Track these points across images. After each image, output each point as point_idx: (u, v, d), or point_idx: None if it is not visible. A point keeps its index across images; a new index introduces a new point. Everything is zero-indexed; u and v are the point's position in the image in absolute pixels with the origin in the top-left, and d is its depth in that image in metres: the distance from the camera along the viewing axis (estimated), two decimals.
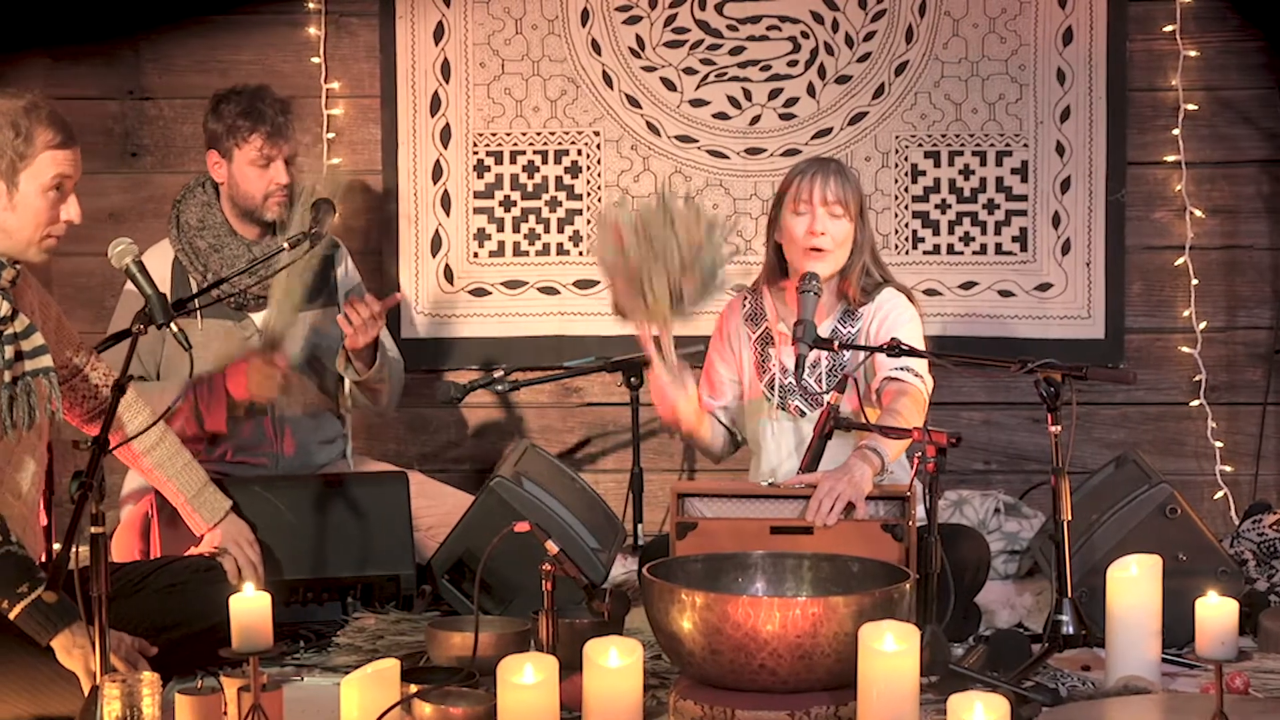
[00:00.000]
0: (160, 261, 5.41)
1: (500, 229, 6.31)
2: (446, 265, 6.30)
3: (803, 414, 5.05)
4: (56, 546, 4.74)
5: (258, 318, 5.44)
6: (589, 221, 6.27)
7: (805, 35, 6.22)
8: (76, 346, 4.59)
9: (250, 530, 4.92)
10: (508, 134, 6.28)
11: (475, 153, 6.28)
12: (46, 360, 4.26)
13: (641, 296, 4.78)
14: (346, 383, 5.57)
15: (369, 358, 5.43)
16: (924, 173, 6.23)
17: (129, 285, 5.22)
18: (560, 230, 6.29)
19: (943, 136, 6.22)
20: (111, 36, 6.27)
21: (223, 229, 5.43)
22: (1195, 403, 6.23)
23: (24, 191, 4.14)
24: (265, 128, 5.36)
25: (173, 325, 4.12)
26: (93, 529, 3.71)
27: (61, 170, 4.16)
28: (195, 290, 5.23)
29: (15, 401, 4.20)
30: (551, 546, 4.15)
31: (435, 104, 6.27)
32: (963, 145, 6.22)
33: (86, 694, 3.86)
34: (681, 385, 4.97)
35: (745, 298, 5.26)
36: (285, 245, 5.22)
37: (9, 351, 4.17)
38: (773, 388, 5.11)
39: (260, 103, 5.39)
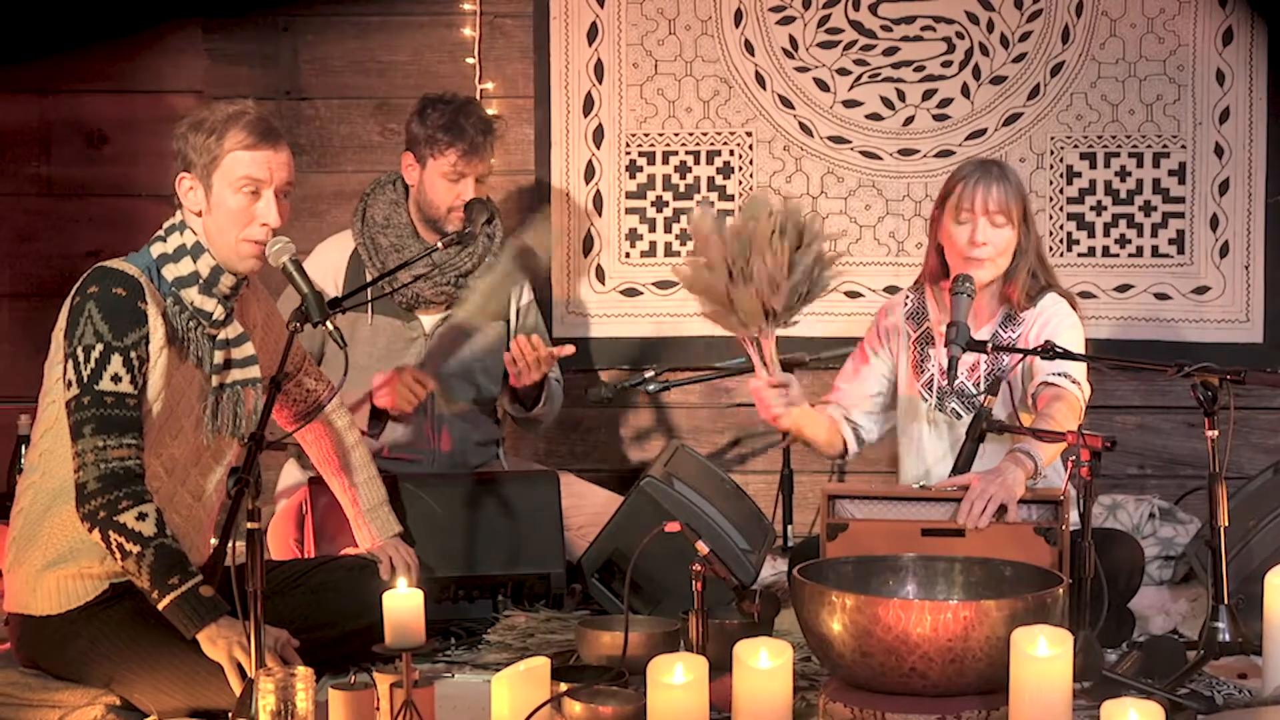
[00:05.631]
0: (340, 251, 5.48)
1: (652, 229, 6.32)
2: (598, 265, 6.32)
3: (959, 417, 5.01)
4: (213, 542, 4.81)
5: (427, 321, 5.48)
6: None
7: (960, 36, 6.18)
8: (300, 358, 4.74)
9: (411, 549, 4.93)
10: (660, 134, 6.29)
11: (628, 153, 6.29)
12: (255, 371, 4.38)
13: (730, 309, 4.74)
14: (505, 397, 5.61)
15: (533, 398, 5.46)
16: (1079, 174, 6.17)
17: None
18: None
19: (1099, 138, 6.16)
20: (262, 8, 6.32)
21: (406, 230, 5.47)
22: None
23: (217, 192, 4.23)
24: (463, 145, 5.36)
25: (328, 323, 4.14)
26: (249, 525, 3.73)
27: (249, 171, 4.21)
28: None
29: (220, 407, 4.29)
30: (702, 547, 4.15)
31: (588, 104, 6.29)
32: (1119, 147, 6.15)
33: (231, 684, 3.92)
34: (782, 392, 4.88)
35: (907, 296, 5.21)
36: (439, 245, 5.27)
37: (219, 357, 4.28)
38: (930, 389, 5.07)
39: (464, 118, 5.39)
